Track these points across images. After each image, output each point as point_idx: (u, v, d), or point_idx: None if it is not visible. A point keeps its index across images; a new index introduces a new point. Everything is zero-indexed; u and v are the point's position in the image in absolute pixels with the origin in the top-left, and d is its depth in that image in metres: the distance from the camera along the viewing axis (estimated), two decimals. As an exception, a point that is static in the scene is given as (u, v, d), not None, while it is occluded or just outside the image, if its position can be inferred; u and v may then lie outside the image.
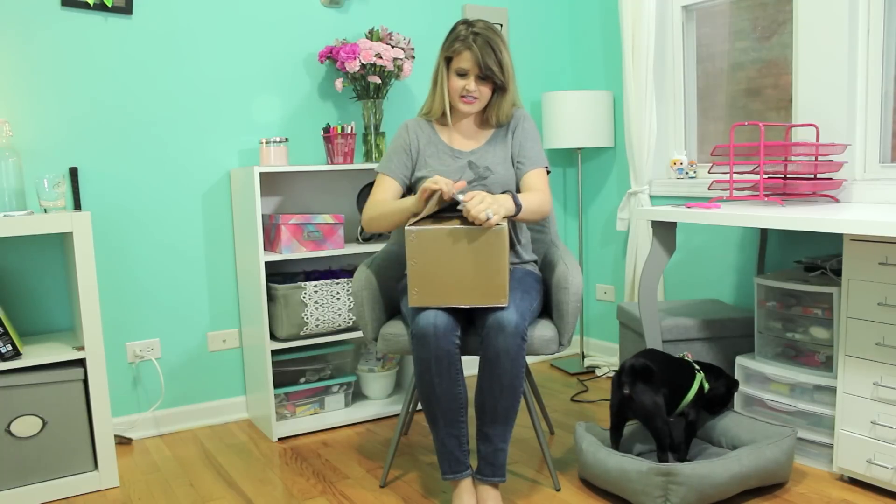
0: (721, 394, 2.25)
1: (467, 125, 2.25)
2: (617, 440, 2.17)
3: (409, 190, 2.26)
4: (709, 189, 2.54)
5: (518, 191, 2.21)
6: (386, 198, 2.17)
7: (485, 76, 2.10)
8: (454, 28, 2.14)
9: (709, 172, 2.90)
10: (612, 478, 2.04)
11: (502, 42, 2.11)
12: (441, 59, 2.16)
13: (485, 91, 2.13)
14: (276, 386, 2.72)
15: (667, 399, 2.10)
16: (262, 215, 2.76)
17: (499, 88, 2.16)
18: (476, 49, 2.07)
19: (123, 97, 2.59)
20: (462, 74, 2.11)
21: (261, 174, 2.79)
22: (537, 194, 2.12)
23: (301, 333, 2.63)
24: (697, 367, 2.22)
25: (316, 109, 2.94)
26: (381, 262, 2.33)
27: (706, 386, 2.17)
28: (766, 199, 2.36)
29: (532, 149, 2.21)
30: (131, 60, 2.60)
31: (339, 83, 2.79)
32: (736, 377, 2.45)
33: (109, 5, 2.53)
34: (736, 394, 2.44)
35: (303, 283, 2.61)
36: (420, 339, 1.92)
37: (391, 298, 2.34)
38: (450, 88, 2.15)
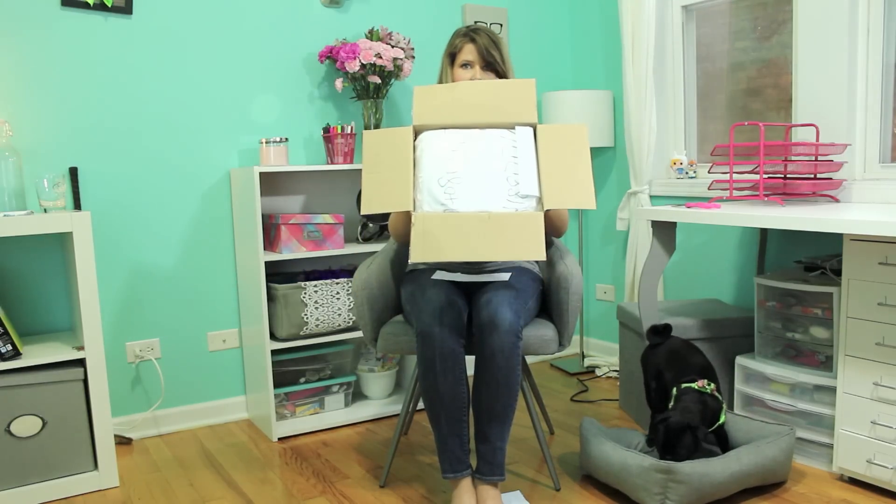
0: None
1: None
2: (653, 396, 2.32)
3: None
4: (709, 189, 2.54)
5: None
6: None
7: (488, 64, 2.18)
8: (455, 32, 2.26)
9: (709, 172, 2.90)
10: (614, 471, 2.04)
11: (502, 41, 2.22)
12: (445, 59, 2.25)
13: (490, 78, 2.19)
14: (275, 386, 2.72)
15: (666, 377, 2.25)
16: (262, 215, 2.76)
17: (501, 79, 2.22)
18: (478, 40, 2.18)
19: (123, 97, 2.59)
20: (466, 65, 2.20)
21: (261, 174, 2.79)
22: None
23: (301, 333, 2.63)
24: (708, 382, 2.17)
25: (316, 109, 2.94)
26: (381, 262, 2.32)
27: (707, 389, 2.14)
28: (766, 199, 2.36)
29: None
30: (131, 60, 2.60)
31: (339, 83, 2.79)
32: (736, 377, 2.45)
33: (109, 5, 2.53)
34: (735, 394, 2.45)
35: (303, 283, 2.61)
36: (425, 337, 1.92)
37: (391, 298, 2.34)
38: (455, 80, 2.20)
